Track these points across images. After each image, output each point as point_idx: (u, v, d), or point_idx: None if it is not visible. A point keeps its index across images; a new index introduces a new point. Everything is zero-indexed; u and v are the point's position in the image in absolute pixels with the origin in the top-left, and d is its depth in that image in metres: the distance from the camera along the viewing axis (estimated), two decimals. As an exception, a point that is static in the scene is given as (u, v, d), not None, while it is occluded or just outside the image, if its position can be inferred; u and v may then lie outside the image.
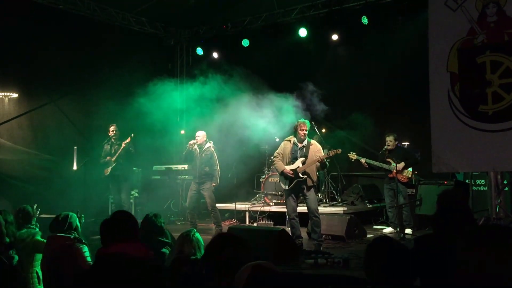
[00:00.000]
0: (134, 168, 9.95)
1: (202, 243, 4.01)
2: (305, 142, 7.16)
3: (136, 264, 2.56)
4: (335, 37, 10.42)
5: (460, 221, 2.85)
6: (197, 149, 8.53)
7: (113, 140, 9.16)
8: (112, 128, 9.17)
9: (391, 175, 8.29)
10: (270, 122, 8.77)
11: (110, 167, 9.02)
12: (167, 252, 4.59)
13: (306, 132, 7.13)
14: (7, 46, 9.31)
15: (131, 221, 2.86)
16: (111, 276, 2.53)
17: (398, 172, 8.17)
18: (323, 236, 7.53)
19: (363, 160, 8.49)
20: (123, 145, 8.96)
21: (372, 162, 8.47)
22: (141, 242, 2.84)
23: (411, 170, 8.36)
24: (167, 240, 4.71)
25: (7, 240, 4.51)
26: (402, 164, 8.20)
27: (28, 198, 7.24)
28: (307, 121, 7.22)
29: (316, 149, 7.13)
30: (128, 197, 9.46)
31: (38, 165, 9.87)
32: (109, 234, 2.76)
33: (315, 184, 7.20)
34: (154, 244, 4.49)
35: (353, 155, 8.58)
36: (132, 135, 9.09)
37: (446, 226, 2.88)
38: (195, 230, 4.12)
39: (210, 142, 8.62)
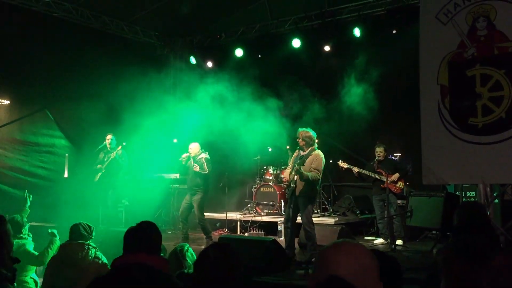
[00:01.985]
0: (125, 177, 9.92)
1: (195, 257, 4.00)
2: (307, 151, 6.96)
3: (153, 276, 2.53)
4: (327, 48, 10.47)
5: (479, 233, 2.84)
6: (192, 161, 8.48)
7: (108, 149, 9.22)
8: (108, 137, 9.26)
9: (383, 186, 8.27)
10: (262, 131, 8.78)
11: (99, 174, 9.09)
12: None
13: (302, 141, 6.96)
14: (-1, 53, 9.30)
15: (155, 233, 2.79)
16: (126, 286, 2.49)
17: (393, 182, 8.18)
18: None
19: (355, 169, 8.40)
20: (114, 153, 9.03)
21: (365, 172, 8.36)
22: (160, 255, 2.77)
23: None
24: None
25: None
26: (396, 175, 8.19)
27: (19, 206, 7.16)
28: (305, 129, 7.05)
29: (312, 160, 6.85)
30: (114, 205, 9.45)
31: (29, 173, 9.81)
32: (131, 243, 2.69)
33: (305, 195, 6.84)
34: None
35: (344, 164, 8.49)
36: (124, 143, 9.12)
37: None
38: (188, 245, 4.13)
39: (205, 153, 8.51)
